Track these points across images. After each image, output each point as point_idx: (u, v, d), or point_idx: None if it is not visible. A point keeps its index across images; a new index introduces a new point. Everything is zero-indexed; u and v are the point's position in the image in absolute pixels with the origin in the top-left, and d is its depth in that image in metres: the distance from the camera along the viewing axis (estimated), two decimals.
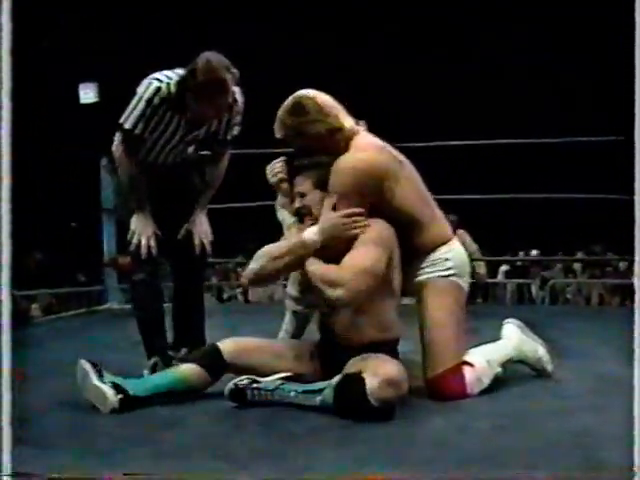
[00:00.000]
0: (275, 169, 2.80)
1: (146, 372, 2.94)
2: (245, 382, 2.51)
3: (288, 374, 2.56)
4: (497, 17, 14.35)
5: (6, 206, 1.77)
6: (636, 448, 1.71)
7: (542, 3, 13.91)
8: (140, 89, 2.92)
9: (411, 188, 2.72)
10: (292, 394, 2.46)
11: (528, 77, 14.58)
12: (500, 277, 11.19)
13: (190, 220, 3.11)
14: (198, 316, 3.22)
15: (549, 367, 2.94)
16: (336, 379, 2.39)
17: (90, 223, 6.32)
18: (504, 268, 11.52)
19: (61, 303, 8.43)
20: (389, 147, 2.74)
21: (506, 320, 3.00)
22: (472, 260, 6.81)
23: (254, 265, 2.61)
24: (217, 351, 2.59)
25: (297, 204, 2.67)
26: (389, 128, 2.93)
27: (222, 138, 3.11)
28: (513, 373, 2.89)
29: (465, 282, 2.77)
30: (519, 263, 11.62)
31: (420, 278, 2.72)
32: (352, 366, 2.44)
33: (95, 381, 2.48)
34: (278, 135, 2.71)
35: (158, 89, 2.88)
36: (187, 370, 2.58)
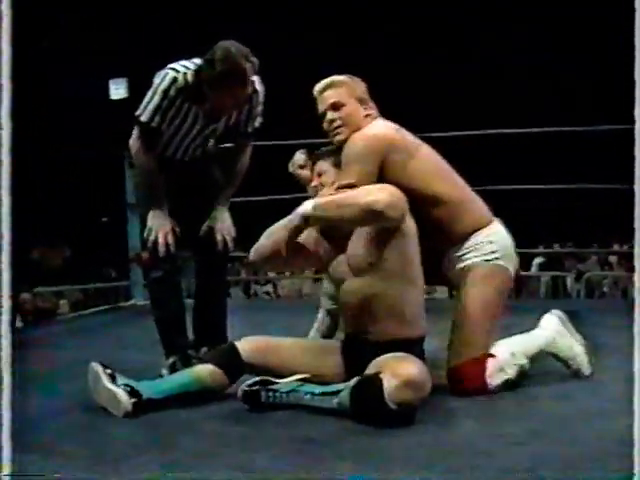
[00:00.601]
0: (294, 158, 2.76)
1: (164, 372, 2.84)
2: (259, 384, 2.39)
3: (305, 375, 2.43)
4: (497, 17, 14.19)
5: (6, 203, 1.67)
6: (636, 449, 1.60)
7: (542, 3, 13.72)
8: (156, 80, 2.82)
9: (432, 167, 2.65)
10: (308, 397, 2.33)
11: (528, 77, 14.42)
12: (534, 270, 10.99)
13: (211, 216, 3.00)
14: (220, 314, 3.12)
15: (585, 368, 2.76)
16: (354, 380, 2.25)
17: (120, 218, 6.26)
18: (538, 260, 11.30)
19: (90, 299, 8.42)
20: (405, 131, 2.69)
21: (552, 310, 2.85)
22: None
23: (252, 251, 2.61)
24: (235, 351, 2.48)
25: (314, 182, 2.61)
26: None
27: (243, 130, 3.01)
28: (549, 371, 2.76)
29: (512, 266, 2.67)
30: (553, 255, 11.40)
31: (462, 264, 2.62)
32: (373, 367, 2.30)
33: (107, 384, 2.37)
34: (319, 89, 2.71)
35: (174, 80, 2.78)
36: (203, 371, 2.46)
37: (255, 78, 2.85)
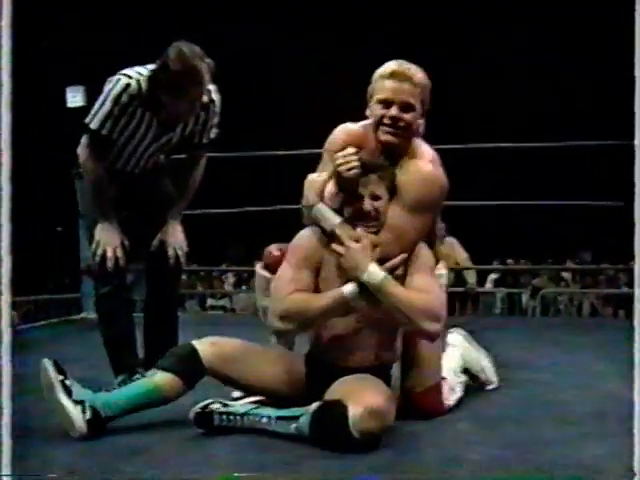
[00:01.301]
0: (353, 162, 2.29)
1: None
2: (214, 406, 2.25)
3: (260, 398, 2.31)
4: (497, 17, 14.20)
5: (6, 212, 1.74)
6: (636, 451, 1.62)
7: (542, 3, 13.77)
8: (107, 86, 2.69)
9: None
10: (264, 420, 2.20)
11: (528, 77, 14.46)
12: (489, 286, 10.97)
13: (163, 230, 2.87)
14: (171, 331, 2.99)
15: (494, 378, 2.86)
16: (314, 406, 2.14)
17: (73, 228, 6.09)
18: (493, 276, 11.30)
19: (40, 310, 8.19)
20: None
21: (450, 330, 2.89)
22: (462, 269, 6.62)
23: (283, 325, 2.29)
24: (195, 356, 2.29)
25: (368, 206, 2.28)
26: None
27: (198, 141, 2.88)
28: (514, 395, 2.74)
29: None
30: (509, 271, 11.39)
31: None
32: (335, 391, 2.19)
33: (62, 399, 2.22)
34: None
35: (127, 86, 2.65)
36: (161, 381, 2.28)
37: (212, 87, 2.76)
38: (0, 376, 1.52)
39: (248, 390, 2.39)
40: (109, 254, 2.74)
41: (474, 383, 2.84)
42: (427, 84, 2.41)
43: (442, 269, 2.62)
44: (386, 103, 2.36)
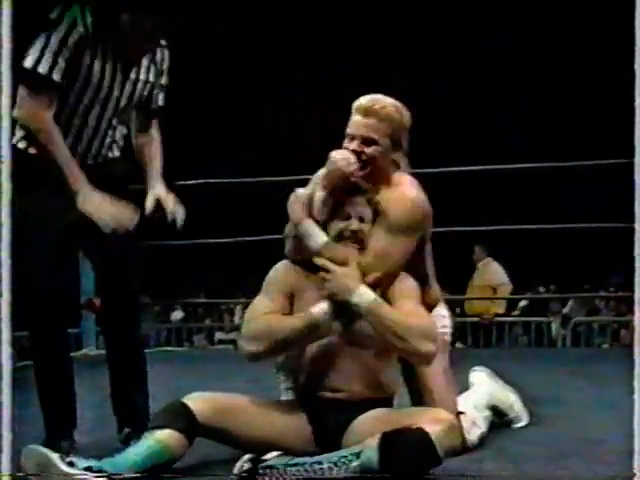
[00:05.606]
0: (352, 159, 2.42)
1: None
2: (253, 461, 2.14)
3: (280, 453, 2.21)
4: (496, 17, 14.28)
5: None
6: (636, 449, 1.68)
7: (542, 3, 13.85)
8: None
9: (429, 237, 2.63)
10: (317, 467, 2.09)
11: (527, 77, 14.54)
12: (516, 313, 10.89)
13: (154, 192, 2.53)
14: (139, 385, 2.73)
15: (524, 415, 2.86)
16: (376, 438, 2.08)
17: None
18: (521, 304, 11.22)
19: None
20: None
21: (474, 368, 2.94)
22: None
23: (253, 347, 2.32)
24: (189, 412, 2.24)
25: (355, 226, 2.36)
26: None
27: (146, 101, 2.58)
28: (542, 432, 2.73)
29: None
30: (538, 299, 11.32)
31: None
32: (366, 429, 2.20)
33: (63, 467, 2.06)
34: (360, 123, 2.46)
35: (74, 21, 2.27)
36: (166, 438, 2.20)
37: (163, 43, 2.57)
38: (0, 376, 1.50)
39: (249, 447, 2.29)
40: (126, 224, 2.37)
41: (502, 420, 2.83)
42: (398, 118, 2.49)
43: (444, 310, 2.70)
44: (350, 137, 2.49)
